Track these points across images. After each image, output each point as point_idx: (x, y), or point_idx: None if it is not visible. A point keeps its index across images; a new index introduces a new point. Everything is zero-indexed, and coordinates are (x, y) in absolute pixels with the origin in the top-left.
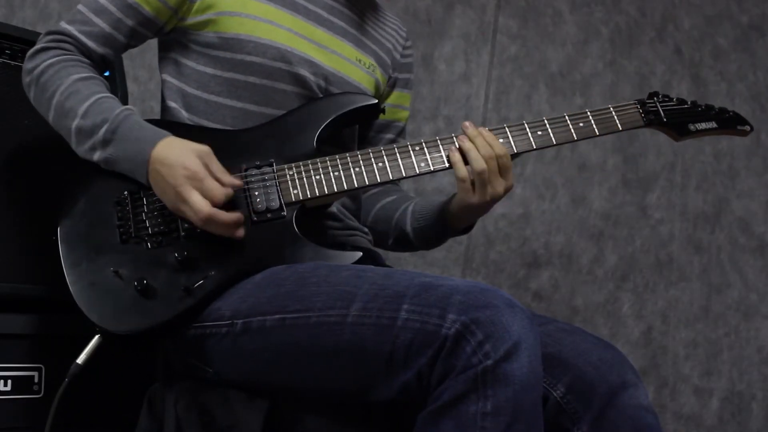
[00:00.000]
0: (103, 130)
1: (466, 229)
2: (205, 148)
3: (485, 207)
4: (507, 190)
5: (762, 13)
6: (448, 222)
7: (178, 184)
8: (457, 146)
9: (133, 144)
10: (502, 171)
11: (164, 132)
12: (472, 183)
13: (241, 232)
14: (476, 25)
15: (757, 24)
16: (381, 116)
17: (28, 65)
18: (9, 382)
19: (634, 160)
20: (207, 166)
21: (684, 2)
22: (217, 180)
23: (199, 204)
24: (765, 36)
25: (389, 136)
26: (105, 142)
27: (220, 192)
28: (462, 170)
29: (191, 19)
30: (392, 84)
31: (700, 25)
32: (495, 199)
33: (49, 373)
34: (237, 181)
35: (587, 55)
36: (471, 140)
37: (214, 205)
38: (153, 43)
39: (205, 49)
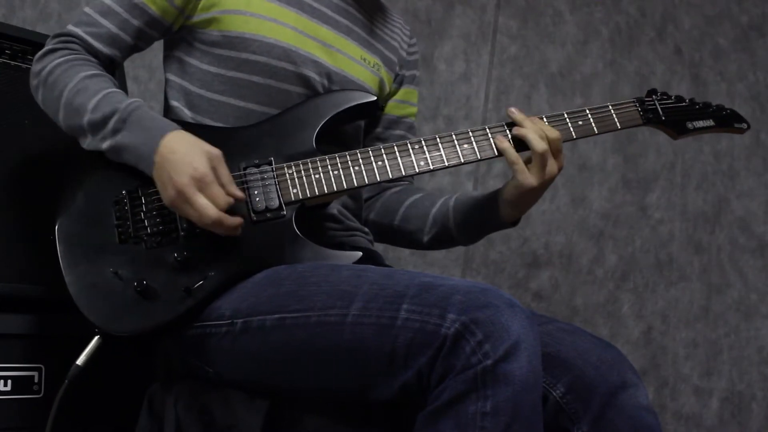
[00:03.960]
0: (113, 120)
1: (515, 222)
2: (216, 152)
3: (542, 189)
4: (560, 170)
5: (762, 13)
6: (500, 214)
7: (183, 183)
8: (506, 134)
9: (143, 132)
10: (555, 153)
11: (175, 125)
12: (527, 165)
13: (239, 231)
14: (476, 25)
15: (757, 24)
16: (389, 109)
17: (35, 68)
18: (9, 382)
19: (634, 160)
20: (215, 171)
21: (684, 2)
22: (222, 186)
23: (205, 208)
24: (765, 36)
25: (399, 132)
26: (114, 131)
27: (224, 200)
28: (513, 154)
29: (197, 17)
30: (399, 81)
31: (700, 25)
32: (551, 180)
33: (49, 373)
34: (240, 194)
35: (587, 55)
36: (522, 125)
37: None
38: (153, 44)
39: (210, 48)
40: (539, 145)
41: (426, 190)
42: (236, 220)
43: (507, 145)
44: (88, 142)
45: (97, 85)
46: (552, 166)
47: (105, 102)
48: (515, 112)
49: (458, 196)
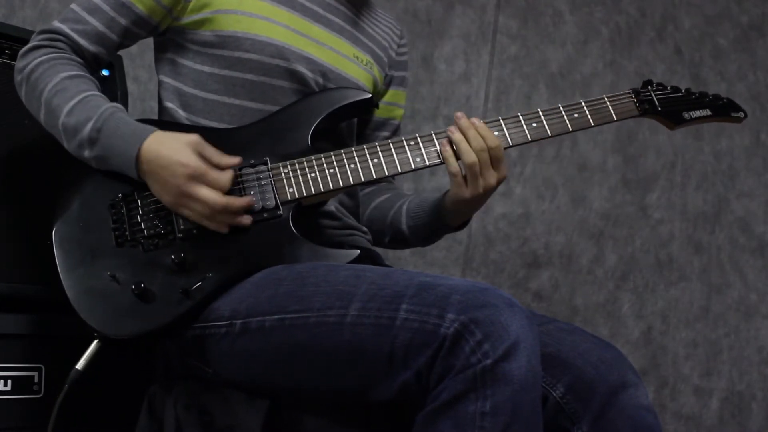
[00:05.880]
0: (88, 128)
1: (462, 225)
2: (195, 138)
3: (479, 200)
4: (500, 182)
5: (762, 13)
6: (443, 218)
7: (180, 184)
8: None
9: (119, 142)
10: (494, 163)
11: (150, 127)
12: (464, 177)
13: (248, 219)
14: (476, 25)
15: (757, 24)
16: (376, 111)
17: (19, 64)
18: (9, 382)
19: (634, 160)
20: (202, 156)
21: (684, 2)
22: (217, 167)
23: (211, 197)
24: (765, 36)
25: (385, 133)
26: (92, 141)
27: (225, 179)
28: (453, 165)
29: (187, 19)
30: (388, 82)
31: (700, 25)
32: (488, 192)
33: (49, 373)
34: (235, 160)
35: (587, 55)
36: (463, 132)
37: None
38: (153, 44)
39: (202, 48)
40: (468, 156)
41: (396, 190)
42: (244, 200)
43: (449, 153)
44: (68, 146)
45: (76, 87)
46: (489, 178)
47: (80, 107)
48: (461, 118)
49: (412, 199)
